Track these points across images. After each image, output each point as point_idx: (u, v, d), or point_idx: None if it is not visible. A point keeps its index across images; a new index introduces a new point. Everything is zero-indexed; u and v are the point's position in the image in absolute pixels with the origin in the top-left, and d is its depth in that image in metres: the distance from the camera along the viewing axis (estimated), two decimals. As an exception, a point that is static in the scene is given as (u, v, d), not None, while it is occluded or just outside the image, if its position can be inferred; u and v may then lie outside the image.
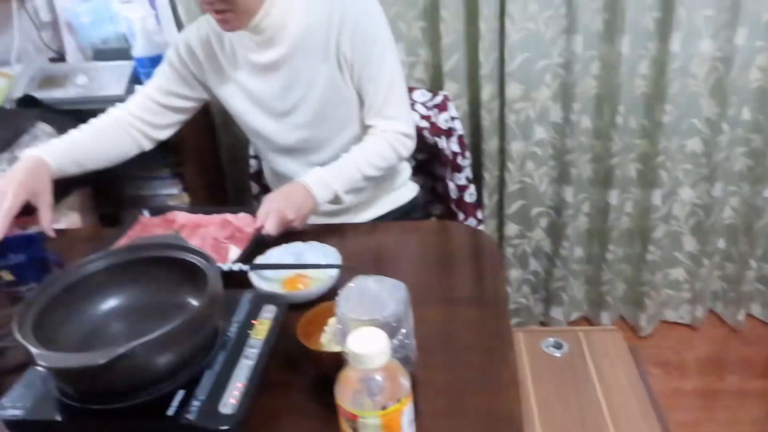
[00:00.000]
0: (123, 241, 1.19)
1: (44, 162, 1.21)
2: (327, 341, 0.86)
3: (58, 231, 1.35)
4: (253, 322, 0.89)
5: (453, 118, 1.69)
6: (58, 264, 1.11)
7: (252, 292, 0.95)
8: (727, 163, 1.79)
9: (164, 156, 1.78)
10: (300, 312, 0.91)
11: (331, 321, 0.86)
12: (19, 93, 1.73)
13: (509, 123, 1.80)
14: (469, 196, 1.72)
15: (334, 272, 1.05)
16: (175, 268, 0.89)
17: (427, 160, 1.77)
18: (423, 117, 1.65)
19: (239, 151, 1.83)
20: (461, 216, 1.73)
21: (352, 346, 0.60)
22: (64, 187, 1.50)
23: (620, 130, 1.73)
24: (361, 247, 1.20)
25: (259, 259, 1.08)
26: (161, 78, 1.37)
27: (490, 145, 1.85)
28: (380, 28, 1.28)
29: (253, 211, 1.26)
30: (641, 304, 1.98)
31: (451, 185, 1.71)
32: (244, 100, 1.35)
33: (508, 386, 0.81)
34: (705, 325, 2.02)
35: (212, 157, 1.91)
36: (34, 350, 0.71)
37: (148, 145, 1.41)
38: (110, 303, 0.89)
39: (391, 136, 1.31)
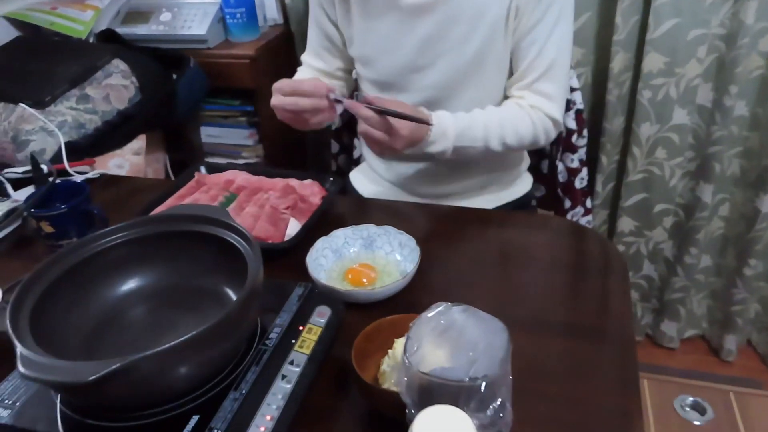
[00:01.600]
0: (173, 201, 1.02)
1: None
2: (389, 370, 0.65)
3: (112, 177, 1.21)
4: (300, 328, 0.70)
5: (573, 89, 1.40)
6: (101, 219, 0.96)
7: (304, 286, 0.76)
8: None
9: (241, 102, 1.62)
10: (361, 312, 0.71)
11: (397, 346, 0.65)
12: (103, 26, 1.61)
13: (642, 101, 1.48)
14: (580, 181, 1.44)
15: (409, 269, 0.83)
16: (211, 246, 0.71)
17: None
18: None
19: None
20: (567, 203, 1.46)
21: None
22: (130, 129, 1.37)
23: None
24: (451, 237, 0.97)
25: (321, 240, 0.88)
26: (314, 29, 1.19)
27: (614, 124, 1.54)
28: None
29: (324, 178, 1.07)
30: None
31: (561, 167, 1.44)
32: (372, 48, 1.10)
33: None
34: None
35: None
36: (19, 349, 0.55)
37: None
38: (130, 284, 0.73)
39: (538, 117, 1.07)
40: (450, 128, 1.01)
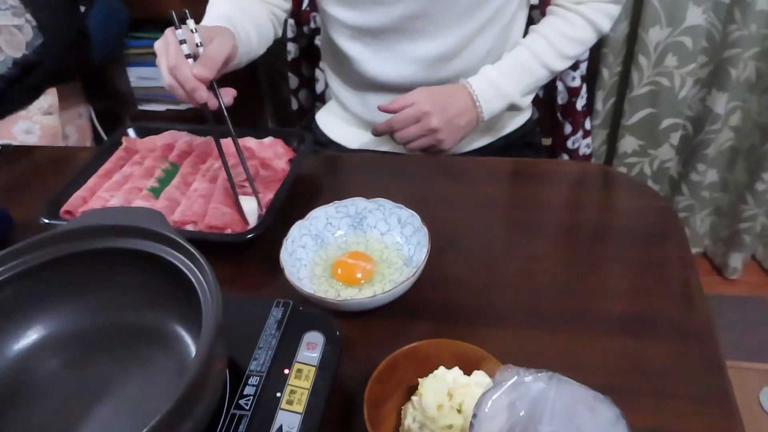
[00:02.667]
0: (97, 182, 0.79)
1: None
2: (416, 427, 0.47)
3: (18, 149, 0.96)
4: (285, 371, 0.51)
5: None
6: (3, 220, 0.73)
7: (284, 305, 0.56)
8: None
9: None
10: (355, 319, 0.52)
11: (425, 392, 0.46)
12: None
13: (651, 0, 1.26)
14: (581, 100, 1.25)
15: (414, 253, 0.64)
16: (147, 268, 0.50)
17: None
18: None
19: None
20: (567, 128, 1.27)
21: None
22: (34, 82, 1.09)
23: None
24: (458, 200, 0.77)
25: (298, 223, 0.67)
26: None
27: (618, 30, 1.33)
28: None
29: (289, 134, 0.84)
30: (789, 247, 1.53)
31: (560, 86, 1.23)
32: None
33: None
34: None
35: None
36: None
37: (279, 27, 0.98)
38: (32, 334, 0.51)
39: (590, 10, 0.90)
40: (496, 79, 0.88)
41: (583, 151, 1.30)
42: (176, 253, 0.48)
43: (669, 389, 0.54)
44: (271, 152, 0.81)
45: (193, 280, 0.47)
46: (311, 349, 0.52)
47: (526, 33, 0.98)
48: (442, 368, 0.50)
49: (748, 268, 1.65)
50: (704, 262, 1.71)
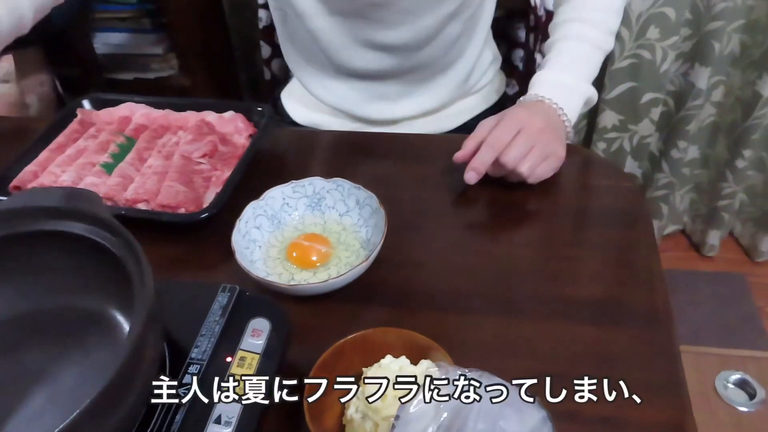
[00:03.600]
0: (48, 157, 0.76)
1: None
2: (359, 419, 0.46)
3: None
4: (227, 359, 0.49)
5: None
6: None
7: (230, 291, 0.54)
8: None
9: None
10: (307, 304, 0.51)
11: (367, 386, 0.45)
12: None
13: (633, -31, 1.23)
14: (560, 74, 1.22)
15: (371, 235, 0.63)
16: (80, 250, 0.48)
17: (507, 18, 1.24)
18: (510, -44, 1.11)
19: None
20: (547, 103, 1.24)
21: None
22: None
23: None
24: (420, 181, 0.75)
25: (252, 204, 0.65)
26: None
27: (600, 1, 1.29)
28: None
29: (250, 109, 0.81)
30: (767, 223, 1.52)
31: (539, 58, 1.20)
32: None
33: None
34: None
35: (211, 2, 1.39)
36: None
37: None
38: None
39: None
40: (563, 77, 0.77)
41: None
42: (109, 235, 0.46)
43: (623, 376, 0.53)
44: (232, 127, 0.78)
45: (126, 264, 0.45)
46: (256, 336, 0.51)
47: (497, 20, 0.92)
48: (388, 357, 0.48)
49: (726, 244, 1.65)
50: (683, 239, 1.71)
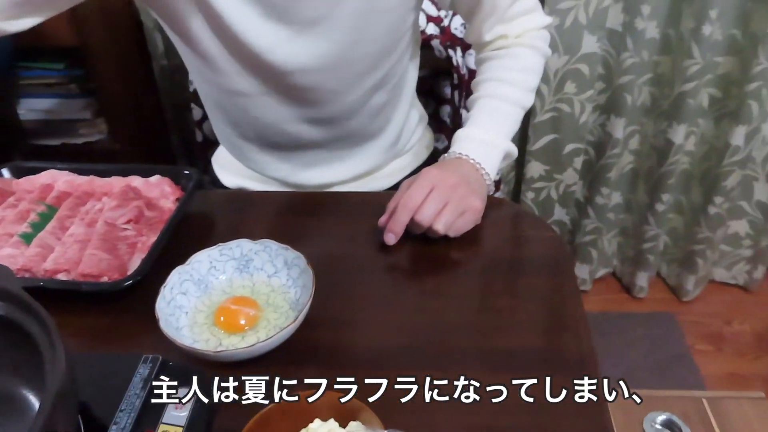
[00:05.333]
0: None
1: None
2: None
3: None
4: (147, 433, 0.47)
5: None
6: None
7: (152, 361, 0.52)
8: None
9: (67, 65, 1.28)
10: (242, 369, 0.50)
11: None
12: None
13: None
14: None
15: (300, 296, 0.62)
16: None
17: (433, 77, 1.29)
18: (431, 19, 1.17)
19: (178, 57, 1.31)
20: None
21: None
22: None
23: (703, 43, 1.26)
24: (350, 238, 0.76)
25: (178, 269, 0.64)
26: None
27: (519, 59, 1.36)
28: None
29: (177, 173, 0.81)
30: (690, 264, 1.60)
31: (464, 114, 1.25)
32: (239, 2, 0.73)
33: None
34: (764, 289, 1.66)
35: (141, 66, 1.39)
36: None
37: None
38: None
39: (530, 38, 0.85)
40: (482, 133, 0.80)
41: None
42: (20, 312, 0.44)
43: (552, 428, 0.54)
44: (158, 191, 0.77)
45: (38, 340, 0.43)
46: (179, 408, 0.49)
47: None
48: (317, 421, 0.48)
49: (655, 284, 1.72)
50: (614, 281, 1.77)
